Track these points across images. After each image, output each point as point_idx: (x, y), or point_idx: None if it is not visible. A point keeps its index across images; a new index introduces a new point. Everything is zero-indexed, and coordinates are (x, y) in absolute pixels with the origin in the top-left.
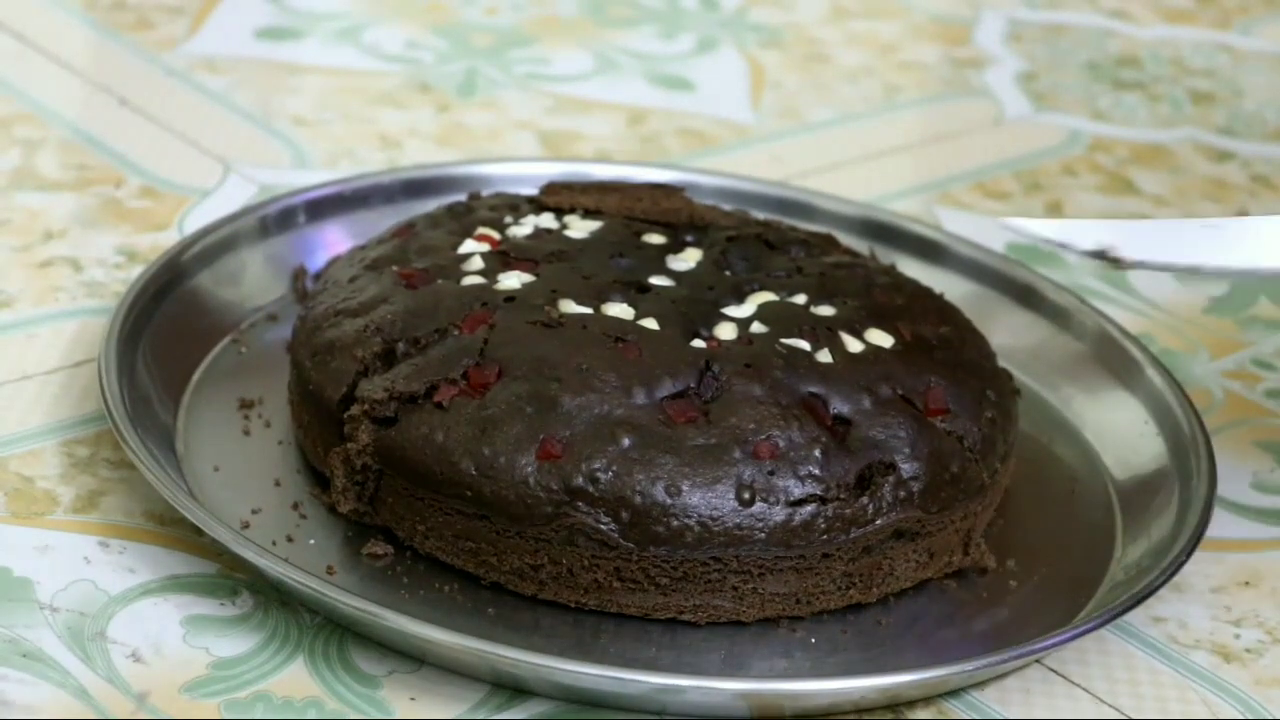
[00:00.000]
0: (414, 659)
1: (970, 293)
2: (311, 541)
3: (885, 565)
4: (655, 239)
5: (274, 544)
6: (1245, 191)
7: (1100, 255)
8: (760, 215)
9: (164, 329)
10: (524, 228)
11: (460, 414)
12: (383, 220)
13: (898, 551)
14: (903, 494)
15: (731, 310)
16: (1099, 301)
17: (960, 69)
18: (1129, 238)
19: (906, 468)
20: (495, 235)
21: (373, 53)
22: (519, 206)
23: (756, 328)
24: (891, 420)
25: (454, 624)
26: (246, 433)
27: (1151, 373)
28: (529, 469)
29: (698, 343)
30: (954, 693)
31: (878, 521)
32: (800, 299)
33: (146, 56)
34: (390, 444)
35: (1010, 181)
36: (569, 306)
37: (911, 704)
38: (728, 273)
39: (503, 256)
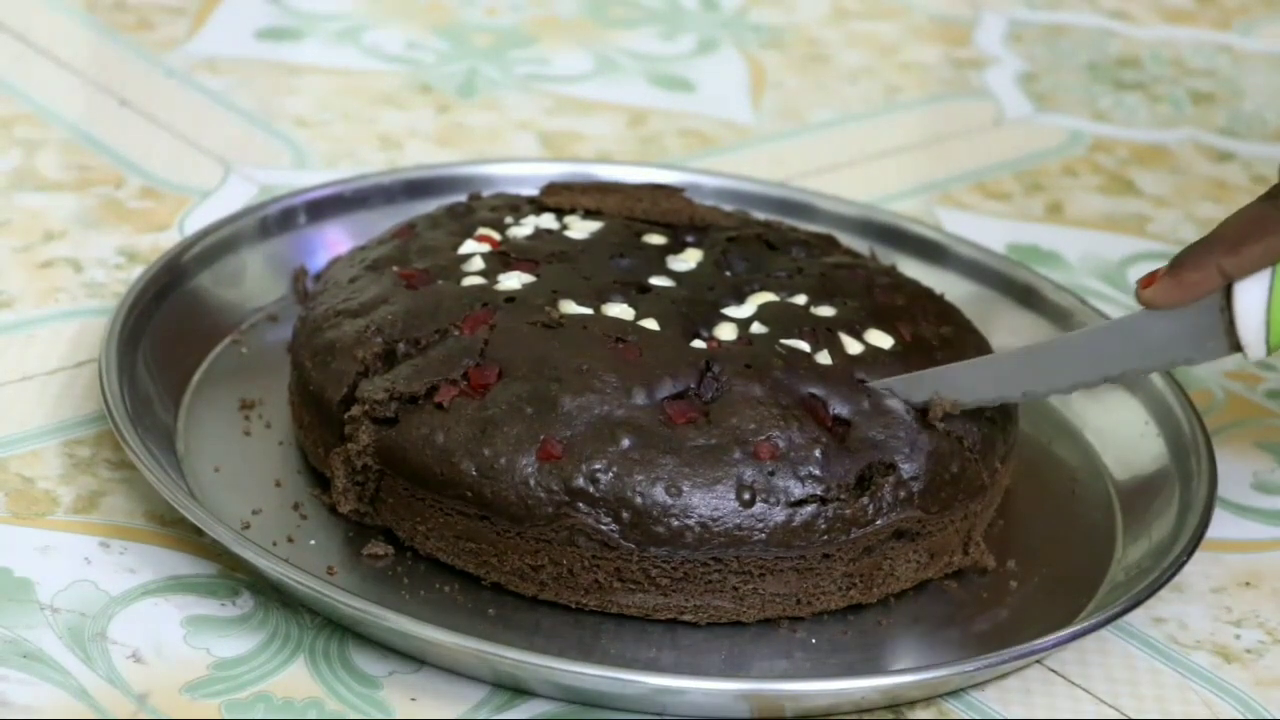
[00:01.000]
0: (414, 659)
1: (971, 293)
2: (312, 542)
3: (885, 566)
4: (656, 239)
5: (274, 544)
6: (1246, 192)
7: (930, 406)
8: (761, 216)
9: (164, 329)
10: (524, 228)
11: (461, 414)
12: (383, 221)
13: (898, 552)
14: (903, 494)
15: (732, 311)
16: (1099, 302)
17: (961, 69)
18: (953, 383)
19: (906, 468)
20: (496, 236)
21: (373, 53)
22: (519, 207)
23: (757, 328)
24: (891, 421)
25: (454, 624)
26: (247, 433)
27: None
28: (529, 470)
29: (698, 343)
30: (954, 693)
31: (878, 522)
32: (800, 299)
33: (147, 57)
34: (391, 444)
35: (1011, 182)
36: (569, 307)
37: (912, 704)
38: (728, 273)
39: (503, 257)
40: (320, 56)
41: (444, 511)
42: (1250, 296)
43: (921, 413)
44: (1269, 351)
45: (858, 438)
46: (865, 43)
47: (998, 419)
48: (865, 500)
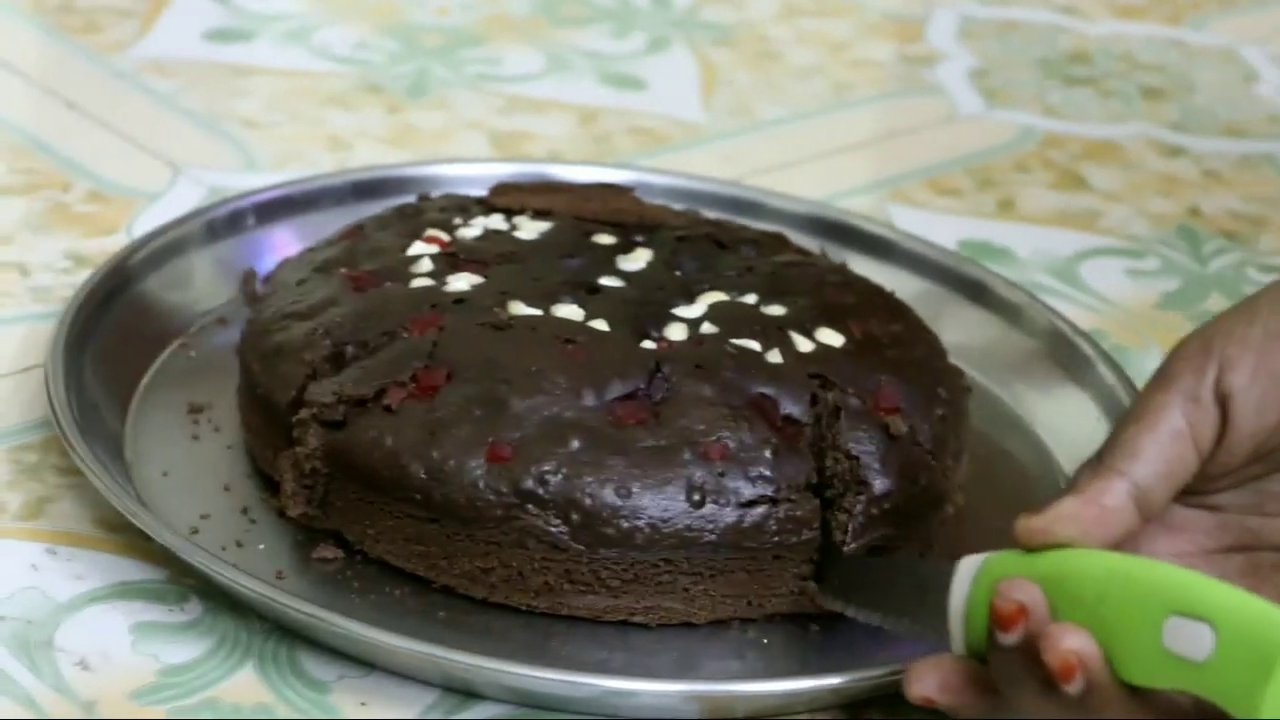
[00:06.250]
0: (364, 663)
1: (921, 290)
2: (261, 546)
3: None
4: (605, 239)
5: (223, 549)
6: (1197, 187)
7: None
8: (711, 214)
9: (112, 334)
10: (473, 229)
11: (409, 417)
12: (332, 222)
13: None
14: (875, 511)
15: (682, 311)
16: (1050, 298)
17: (912, 66)
18: None
19: (878, 484)
20: (444, 237)
21: (323, 54)
22: (468, 208)
23: (707, 328)
24: (861, 435)
25: (404, 628)
26: (195, 437)
27: (1103, 369)
28: (478, 472)
29: (648, 344)
30: None
31: (853, 545)
32: (751, 299)
33: (95, 59)
34: (339, 447)
35: (963, 178)
36: (518, 308)
37: (866, 704)
38: (678, 273)
39: (452, 258)
40: (269, 57)
41: (393, 514)
42: (960, 582)
43: (874, 407)
44: (969, 650)
45: (809, 439)
46: (816, 40)
47: (949, 416)
48: (843, 518)
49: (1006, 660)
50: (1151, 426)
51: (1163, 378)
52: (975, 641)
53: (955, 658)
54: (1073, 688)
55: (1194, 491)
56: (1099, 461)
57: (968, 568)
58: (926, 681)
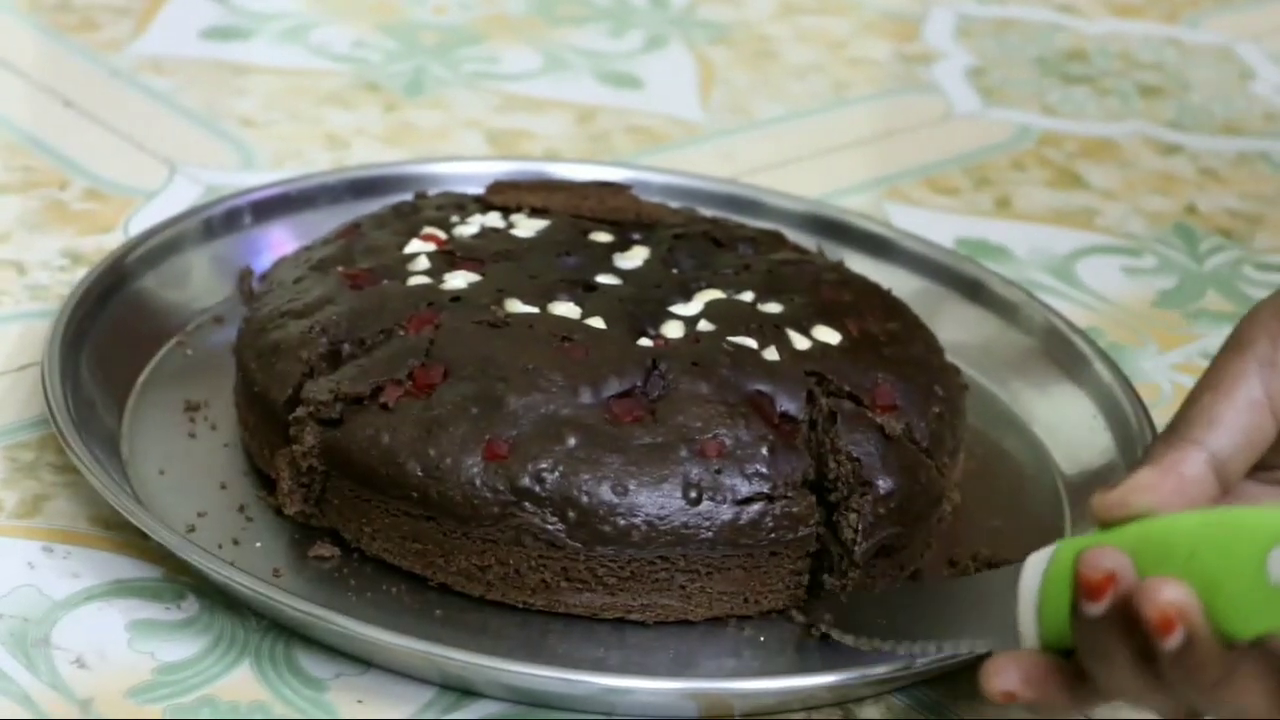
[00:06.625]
0: (361, 661)
1: (918, 288)
2: (258, 544)
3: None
4: (602, 237)
5: (220, 547)
6: (1194, 185)
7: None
8: (708, 212)
9: (108, 332)
10: (470, 227)
11: (406, 415)
12: (329, 221)
13: (879, 570)
14: (882, 511)
15: (679, 308)
16: (1047, 296)
17: (910, 64)
18: None
19: (882, 483)
20: (441, 235)
21: (320, 52)
22: (465, 206)
23: (704, 326)
24: (859, 437)
25: (401, 626)
26: (192, 435)
27: (1099, 366)
28: (475, 469)
29: (645, 341)
30: (904, 690)
31: (864, 544)
32: (747, 296)
33: (92, 58)
34: (336, 445)
35: (959, 177)
36: (515, 306)
37: (860, 701)
38: (675, 271)
39: (449, 256)
40: (267, 56)
41: (390, 512)
42: (1030, 576)
43: (871, 405)
44: (1043, 646)
45: (806, 437)
46: (814, 38)
47: (946, 414)
48: (853, 518)
49: (1094, 633)
50: (1228, 394)
51: (1237, 344)
52: (1052, 633)
53: (1033, 651)
54: (1172, 642)
55: (1265, 466)
56: (1173, 432)
57: (1036, 561)
58: (1008, 675)
